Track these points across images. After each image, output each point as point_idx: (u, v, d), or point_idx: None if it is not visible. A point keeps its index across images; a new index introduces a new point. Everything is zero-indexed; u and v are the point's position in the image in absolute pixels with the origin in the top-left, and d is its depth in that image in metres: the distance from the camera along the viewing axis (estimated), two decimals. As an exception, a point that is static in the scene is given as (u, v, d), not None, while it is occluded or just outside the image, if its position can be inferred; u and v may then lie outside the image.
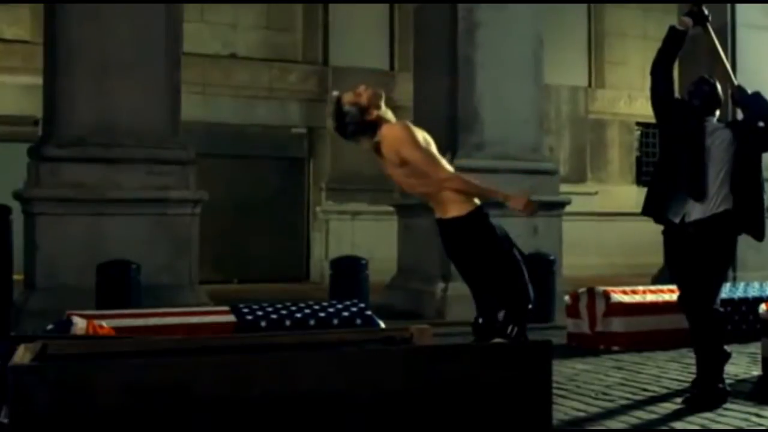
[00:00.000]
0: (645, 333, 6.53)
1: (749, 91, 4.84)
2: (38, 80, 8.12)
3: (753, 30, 9.67)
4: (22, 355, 2.64)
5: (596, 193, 14.51)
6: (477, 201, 3.94)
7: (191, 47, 10.61)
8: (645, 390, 5.05)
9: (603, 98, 14.95)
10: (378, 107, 3.88)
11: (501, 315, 3.81)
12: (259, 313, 5.59)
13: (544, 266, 7.92)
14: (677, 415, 4.43)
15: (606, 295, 6.65)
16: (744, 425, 4.20)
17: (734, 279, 8.57)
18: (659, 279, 8.86)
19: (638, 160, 15.40)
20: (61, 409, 2.33)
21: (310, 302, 5.98)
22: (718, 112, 4.87)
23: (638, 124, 15.14)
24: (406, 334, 3.19)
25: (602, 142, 15.06)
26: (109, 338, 4.11)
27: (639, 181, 14.95)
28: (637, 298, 6.79)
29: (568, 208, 9.08)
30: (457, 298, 7.24)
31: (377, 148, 3.90)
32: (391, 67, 13.43)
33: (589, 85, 14.98)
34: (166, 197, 7.56)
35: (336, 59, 13.07)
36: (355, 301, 6.10)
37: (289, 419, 2.50)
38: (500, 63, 8.65)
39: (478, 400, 2.65)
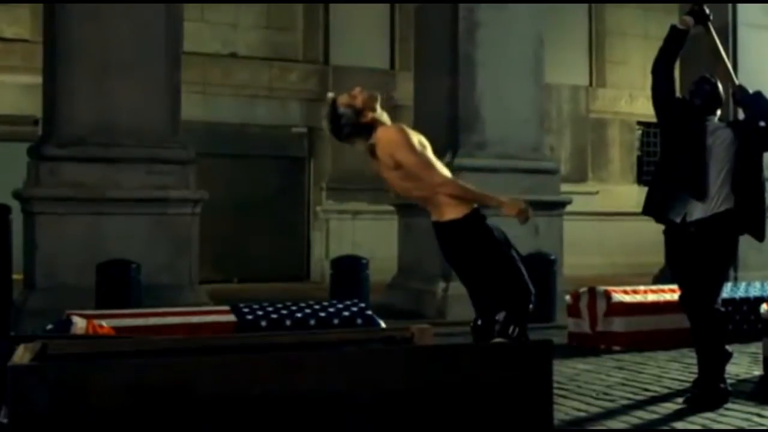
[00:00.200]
0: (646, 333, 6.53)
1: (750, 91, 4.83)
2: (38, 79, 8.11)
3: (754, 29, 9.67)
4: (21, 354, 2.64)
5: (597, 192, 14.50)
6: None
7: (191, 46, 10.60)
8: (646, 390, 5.05)
9: (604, 97, 14.94)
10: (373, 109, 3.87)
11: (501, 316, 3.80)
12: (260, 312, 5.59)
13: (545, 266, 7.92)
14: (678, 415, 4.43)
15: (607, 295, 6.65)
16: (745, 425, 4.19)
17: (735, 279, 8.56)
18: (660, 279, 8.85)
19: (639, 159, 15.38)
20: (60, 409, 2.32)
21: (311, 302, 5.98)
22: (719, 112, 4.86)
23: (639, 123, 15.13)
24: (407, 334, 3.19)
25: (603, 142, 15.05)
26: (109, 338, 4.10)
27: (640, 180, 14.93)
28: (638, 298, 6.78)
29: (569, 208, 9.07)
30: (458, 297, 7.22)
31: (372, 151, 3.89)
32: (392, 67, 13.42)
33: (590, 84, 14.96)
34: (166, 197, 7.56)
35: (336, 58, 13.06)
36: (356, 300, 6.10)
37: (289, 419, 2.49)
38: (501, 62, 8.65)
39: (478, 400, 2.64)
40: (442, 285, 8.16)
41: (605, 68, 14.98)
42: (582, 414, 4.49)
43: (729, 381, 4.78)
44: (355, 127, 3.86)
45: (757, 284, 7.59)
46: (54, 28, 7.53)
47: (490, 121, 8.62)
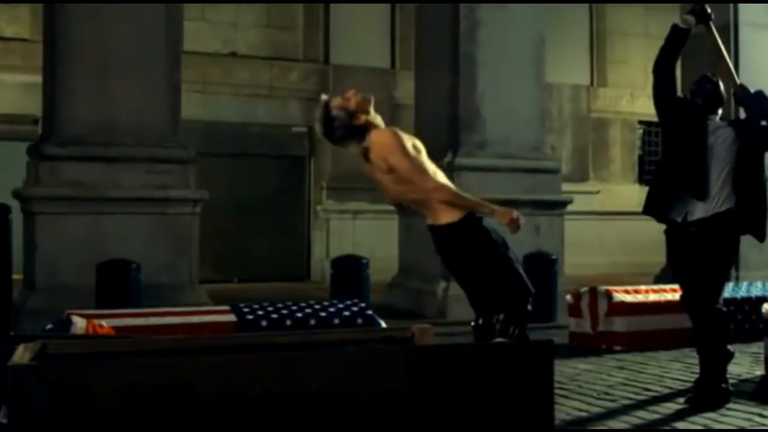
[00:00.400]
0: (647, 332, 6.52)
1: (751, 90, 4.82)
2: (38, 79, 8.10)
3: (756, 29, 9.66)
4: (21, 354, 2.63)
5: (598, 192, 14.48)
6: None
7: (191, 46, 10.59)
8: (647, 390, 5.04)
9: (605, 97, 14.93)
10: (367, 112, 3.86)
11: (500, 317, 3.79)
12: (260, 312, 5.58)
13: (546, 265, 7.91)
14: (680, 415, 4.42)
15: (608, 295, 6.64)
16: (747, 425, 4.18)
17: (737, 278, 8.55)
18: (661, 278, 8.84)
19: (640, 158, 15.37)
20: (60, 409, 2.32)
21: (311, 302, 5.98)
22: (720, 111, 4.85)
23: (640, 122, 15.12)
24: (408, 334, 3.18)
25: (604, 141, 15.04)
26: (109, 338, 4.10)
27: (641, 180, 14.92)
28: (639, 298, 6.77)
29: (570, 207, 9.06)
30: (459, 297, 7.18)
31: (365, 154, 3.88)
32: (393, 66, 13.41)
33: (591, 83, 14.95)
34: (166, 196, 7.55)
35: (337, 58, 13.05)
36: (356, 300, 6.10)
37: (289, 419, 2.48)
38: (502, 62, 8.64)
39: (479, 400, 2.63)
40: (442, 285, 8.15)
41: (606, 67, 14.97)
42: (583, 414, 4.48)
43: (730, 381, 4.77)
44: (348, 130, 3.85)
45: (759, 284, 7.59)
46: (54, 27, 7.52)
47: (490, 121, 8.60)
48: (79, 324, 4.81)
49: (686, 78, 6.98)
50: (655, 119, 5.14)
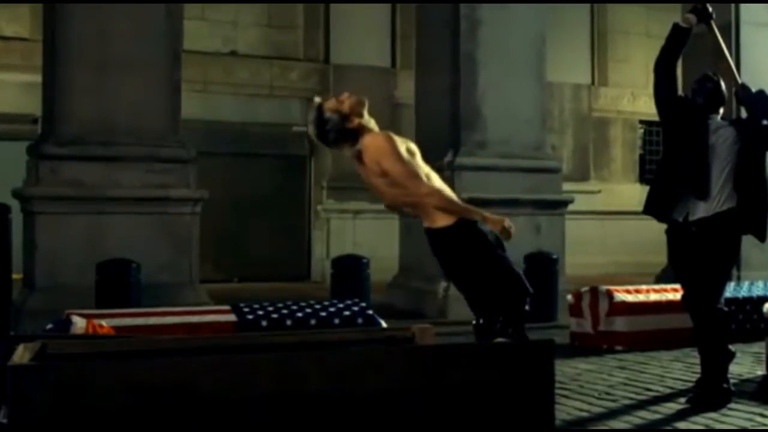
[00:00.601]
0: (648, 332, 6.51)
1: (753, 90, 4.81)
2: (37, 78, 8.09)
3: (757, 28, 9.65)
4: (21, 354, 2.63)
5: (599, 191, 14.47)
6: None
7: (192, 45, 10.58)
8: (648, 390, 5.03)
9: (606, 96, 14.92)
10: (360, 115, 3.86)
11: (500, 320, 3.79)
12: (260, 312, 5.57)
13: (546, 265, 7.91)
14: (681, 415, 4.41)
15: (609, 294, 6.63)
16: (748, 425, 4.17)
17: (738, 278, 8.55)
18: (663, 278, 8.83)
19: (641, 158, 15.37)
20: (60, 409, 2.32)
21: (311, 301, 5.97)
22: (721, 110, 4.84)
23: (641, 122, 15.11)
24: (408, 334, 3.17)
25: (605, 140, 15.03)
26: (109, 338, 4.09)
27: (642, 179, 14.91)
28: (640, 298, 6.76)
29: (570, 207, 9.05)
30: (459, 297, 7.14)
31: (359, 156, 3.87)
32: (393, 65, 13.40)
33: (592, 83, 14.94)
34: (167, 196, 7.54)
35: (337, 57, 13.04)
36: (357, 300, 6.09)
37: (290, 419, 2.48)
38: (503, 61, 8.63)
39: (480, 400, 2.62)
40: (443, 285, 8.14)
41: (607, 67, 14.96)
42: (584, 414, 4.47)
43: (732, 381, 4.76)
44: (341, 133, 3.85)
45: (760, 284, 7.58)
46: (54, 26, 7.51)
47: (491, 120, 8.60)
48: (79, 324, 4.80)
49: (687, 77, 6.97)
50: (656, 119, 5.13)
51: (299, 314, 5.59)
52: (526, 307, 3.88)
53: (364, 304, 5.96)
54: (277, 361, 2.57)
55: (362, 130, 3.85)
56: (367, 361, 2.61)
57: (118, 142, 7.42)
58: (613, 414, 4.47)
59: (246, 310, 5.59)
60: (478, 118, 8.59)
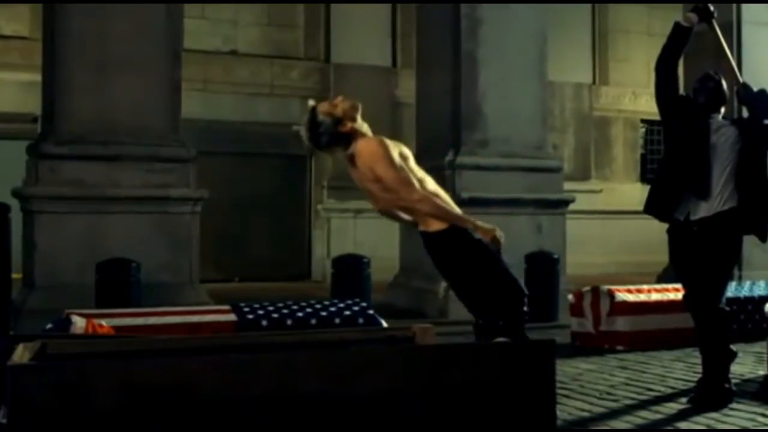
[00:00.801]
0: (650, 332, 6.50)
1: (754, 89, 4.80)
2: (37, 77, 8.08)
3: (759, 27, 9.64)
4: (21, 354, 2.63)
5: (601, 190, 14.46)
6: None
7: (192, 44, 10.57)
8: (650, 390, 5.02)
9: (607, 95, 14.91)
10: (353, 119, 3.87)
11: (500, 323, 3.79)
12: (260, 312, 5.57)
13: (547, 265, 7.89)
14: (682, 415, 4.41)
15: (610, 294, 6.62)
16: (750, 425, 4.17)
17: (740, 278, 8.54)
18: (664, 278, 8.82)
19: (643, 157, 15.35)
20: (60, 408, 2.32)
21: (312, 301, 5.97)
22: (723, 109, 4.83)
23: (643, 121, 15.10)
24: (409, 334, 3.17)
25: (607, 140, 15.02)
26: (109, 337, 4.08)
27: (644, 178, 14.89)
28: (641, 297, 6.75)
29: (572, 206, 9.04)
30: (460, 296, 7.21)
31: (352, 160, 3.88)
32: (394, 64, 13.39)
33: (594, 82, 14.93)
34: (167, 195, 7.53)
35: (338, 56, 13.03)
36: (357, 300, 6.08)
37: (290, 419, 2.47)
38: (504, 60, 8.62)
39: (481, 399, 2.62)
40: (443, 284, 8.11)
41: (609, 66, 14.94)
42: (585, 414, 4.46)
43: (733, 381, 4.75)
44: (333, 136, 3.87)
45: (762, 283, 7.57)
46: (54, 25, 7.50)
47: (492, 119, 8.58)
48: (79, 323, 4.79)
49: (689, 76, 6.96)
50: (657, 118, 5.12)
51: (299, 314, 5.58)
52: (525, 308, 3.87)
53: (364, 304, 5.95)
54: (277, 361, 2.56)
55: (355, 134, 3.87)
56: (368, 361, 2.60)
57: (118, 141, 7.41)
58: (614, 414, 4.47)
59: (246, 309, 5.58)
60: (479, 117, 8.58)
